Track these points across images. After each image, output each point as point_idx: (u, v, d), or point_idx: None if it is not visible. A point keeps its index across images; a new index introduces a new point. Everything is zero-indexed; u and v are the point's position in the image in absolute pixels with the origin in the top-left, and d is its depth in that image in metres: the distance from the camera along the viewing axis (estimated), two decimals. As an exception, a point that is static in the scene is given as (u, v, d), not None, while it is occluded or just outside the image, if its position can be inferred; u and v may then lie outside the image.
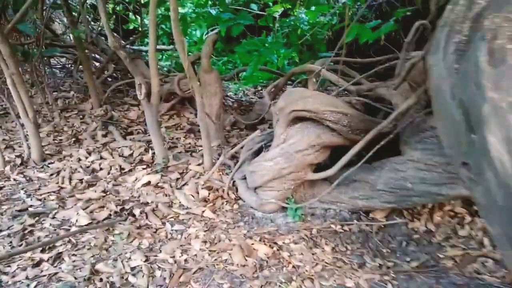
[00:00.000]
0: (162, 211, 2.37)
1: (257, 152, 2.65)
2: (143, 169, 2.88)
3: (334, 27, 4.10)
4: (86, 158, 3.09)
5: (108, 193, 2.61)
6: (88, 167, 2.97)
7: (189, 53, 4.23)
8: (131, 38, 5.76)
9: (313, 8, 4.39)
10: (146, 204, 2.46)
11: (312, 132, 2.19)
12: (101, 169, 2.94)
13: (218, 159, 2.88)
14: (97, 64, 5.44)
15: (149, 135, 3.56)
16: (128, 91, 4.84)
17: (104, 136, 3.51)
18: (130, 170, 2.90)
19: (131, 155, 3.15)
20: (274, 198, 2.29)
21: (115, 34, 5.87)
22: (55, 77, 5.08)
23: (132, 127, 3.77)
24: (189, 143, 3.42)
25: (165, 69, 6.53)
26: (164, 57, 7.11)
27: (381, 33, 2.68)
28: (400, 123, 2.08)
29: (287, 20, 4.77)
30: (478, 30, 1.30)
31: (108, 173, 2.87)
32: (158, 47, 7.08)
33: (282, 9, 4.88)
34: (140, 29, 5.77)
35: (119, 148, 3.26)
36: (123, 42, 6.18)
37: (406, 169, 1.99)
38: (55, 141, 3.43)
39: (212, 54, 7.43)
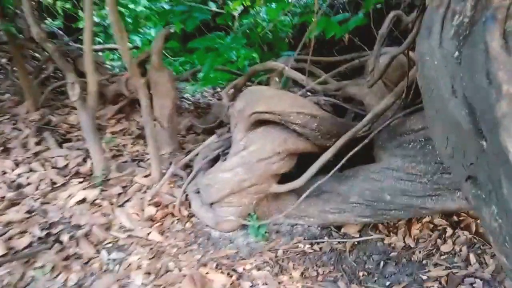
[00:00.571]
0: (98, 235, 1.96)
1: (214, 161, 2.29)
2: (79, 183, 2.44)
3: (299, 20, 3.84)
4: (13, 170, 2.60)
5: (33, 213, 2.16)
6: (13, 181, 2.48)
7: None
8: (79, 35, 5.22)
9: (273, 5, 4.11)
10: (79, 227, 2.03)
11: (276, 137, 1.87)
12: (28, 184, 2.46)
13: (169, 166, 2.50)
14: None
15: (91, 142, 3.12)
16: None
17: (37, 144, 3.01)
18: (63, 185, 2.45)
19: (66, 166, 2.69)
20: (233, 215, 1.94)
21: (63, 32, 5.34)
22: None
23: (72, 133, 3.28)
24: (137, 151, 3.01)
25: (117, 70, 6.02)
26: (117, 56, 6.58)
27: (349, 26, 2.41)
28: (375, 126, 1.81)
29: (247, 17, 4.46)
30: (485, 8, 1.03)
31: (37, 189, 2.40)
32: (110, 45, 6.55)
33: (242, 7, 4.57)
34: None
35: (52, 158, 2.79)
36: (68, 38, 5.64)
37: (383, 178, 1.71)
38: (-23, 151, 2.90)
39: (169, 54, 7.00)
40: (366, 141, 1.73)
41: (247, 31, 4.41)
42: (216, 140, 2.20)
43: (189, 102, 4.52)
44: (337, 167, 1.76)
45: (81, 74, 4.41)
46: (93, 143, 2.40)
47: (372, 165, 1.80)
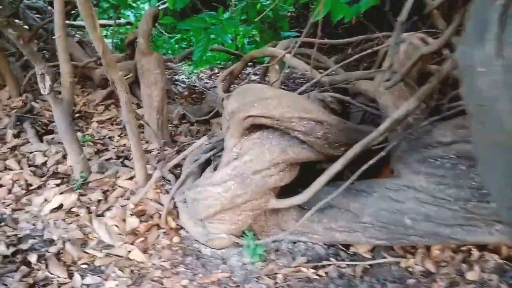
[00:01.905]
0: (71, 253, 1.67)
1: (206, 164, 1.98)
2: (56, 185, 2.13)
3: (299, 1, 3.41)
4: (-16, 169, 2.30)
5: (2, 223, 1.87)
6: (-17, 183, 2.19)
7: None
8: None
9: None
10: (51, 242, 1.74)
11: (275, 145, 1.55)
12: (0, 185, 2.16)
13: (157, 165, 2.19)
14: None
15: (74, 134, 2.80)
16: (57, 76, 3.95)
17: (16, 136, 2.69)
18: (39, 187, 2.14)
19: (44, 164, 2.38)
20: (226, 233, 1.65)
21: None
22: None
23: (54, 123, 2.94)
24: (124, 145, 2.69)
25: (109, 48, 5.60)
26: (108, 33, 6.13)
27: (361, 8, 2.03)
28: (393, 135, 1.48)
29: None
30: None
31: (10, 192, 2.10)
32: (101, 21, 6.09)
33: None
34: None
35: (31, 153, 2.47)
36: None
37: (404, 199, 1.40)
38: None
39: (165, 31, 6.53)
40: (382, 154, 1.41)
41: (245, 6, 4.00)
42: (207, 142, 1.88)
43: (184, 86, 4.15)
44: (348, 182, 1.45)
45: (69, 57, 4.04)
46: (70, 143, 2.08)
47: (389, 181, 1.48)
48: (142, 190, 1.99)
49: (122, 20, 6.02)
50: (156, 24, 5.28)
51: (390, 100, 1.59)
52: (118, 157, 2.48)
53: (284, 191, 1.69)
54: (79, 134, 2.80)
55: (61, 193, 2.05)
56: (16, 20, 4.50)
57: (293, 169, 1.61)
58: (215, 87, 4.20)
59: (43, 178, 2.20)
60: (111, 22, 5.71)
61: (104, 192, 2.07)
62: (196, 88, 4.09)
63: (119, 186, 2.11)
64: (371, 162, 1.41)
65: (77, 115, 3.12)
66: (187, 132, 3.01)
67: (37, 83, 3.67)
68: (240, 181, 1.54)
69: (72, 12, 6.96)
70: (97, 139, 2.76)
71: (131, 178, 2.15)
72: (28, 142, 2.61)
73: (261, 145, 1.56)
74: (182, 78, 4.63)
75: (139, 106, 3.37)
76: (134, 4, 6.03)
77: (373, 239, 1.53)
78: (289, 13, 3.99)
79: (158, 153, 2.55)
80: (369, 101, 2.00)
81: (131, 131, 1.97)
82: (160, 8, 5.25)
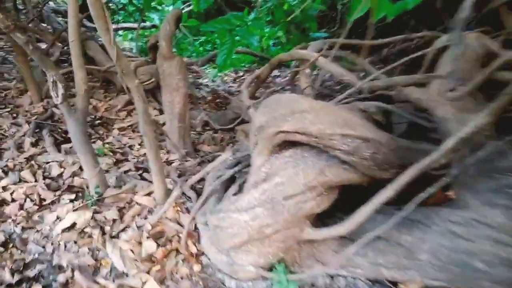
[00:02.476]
0: (81, 283, 1.47)
1: (230, 181, 1.75)
2: (70, 201, 1.96)
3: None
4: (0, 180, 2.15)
5: (10, 245, 1.70)
6: (-4, 196, 2.03)
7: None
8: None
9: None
10: (60, 268, 1.55)
11: (311, 165, 1.30)
12: (13, 200, 2.00)
13: (178, 180, 1.98)
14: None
15: (93, 142, 2.63)
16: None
17: (34, 144, 2.55)
18: (52, 203, 1.97)
19: (60, 175, 2.21)
20: (253, 265, 1.41)
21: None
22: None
23: None
24: (144, 154, 2.49)
25: (134, 51, 5.49)
26: (133, 36, 6.02)
27: (408, 5, 1.75)
28: (458, 156, 1.20)
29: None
30: None
31: (21, 208, 1.94)
32: (124, 25, 6.00)
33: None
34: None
35: (47, 164, 2.32)
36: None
37: (473, 237, 1.12)
38: (-34, 153, 2.46)
39: (190, 34, 6.36)
40: (446, 180, 1.13)
41: (272, 7, 3.75)
42: (231, 157, 1.64)
43: (207, 90, 3.94)
44: (403, 213, 1.18)
45: (90, 60, 3.91)
46: (85, 155, 1.89)
47: (453, 212, 1.20)
48: (161, 208, 1.78)
49: (147, 23, 5.90)
50: (181, 27, 5.11)
51: (450, 112, 1.30)
52: (137, 169, 2.28)
53: (320, 215, 1.44)
54: (99, 142, 2.64)
55: (74, 210, 1.86)
56: (43, 24, 4.42)
57: (331, 192, 1.35)
58: (239, 91, 3.98)
59: (57, 193, 2.03)
60: (135, 25, 5.60)
61: (120, 209, 1.87)
62: (220, 92, 3.87)
63: (137, 202, 1.90)
64: (431, 190, 1.14)
65: (98, 122, 2.96)
66: (210, 140, 2.79)
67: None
68: (270, 208, 1.29)
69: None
70: (117, 148, 2.58)
71: (149, 194, 1.94)
72: (46, 151, 2.46)
73: (295, 165, 1.31)
74: (206, 82, 4.43)
75: (161, 112, 3.19)
76: (159, 7, 5.90)
77: (430, 279, 1.25)
78: (317, 13, 3.71)
79: (180, 164, 2.34)
80: (413, 110, 1.72)
81: (149, 144, 1.76)
82: (184, 10, 5.08)
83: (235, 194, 1.58)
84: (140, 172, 2.24)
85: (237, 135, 2.83)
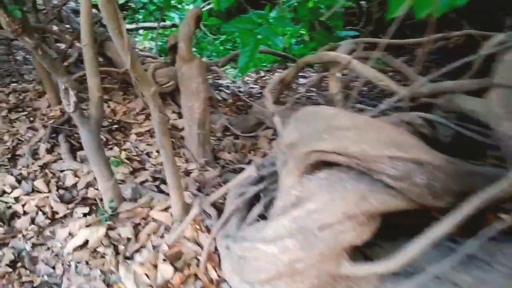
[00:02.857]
0: (91, 314, 1.34)
1: (254, 199, 1.57)
2: (84, 215, 1.83)
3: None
4: (11, 191, 2.04)
5: (19, 264, 1.58)
6: (8, 207, 1.92)
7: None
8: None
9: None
10: (69, 294, 1.42)
11: (350, 189, 1.10)
12: (24, 213, 1.88)
13: (197, 193, 1.82)
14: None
15: (110, 149, 2.51)
16: (103, 80, 3.70)
17: (49, 151, 2.44)
18: (65, 216, 1.84)
19: (74, 186, 2.09)
20: (281, 300, 1.23)
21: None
22: (16, 62, 3.98)
23: None
24: (162, 163, 2.34)
25: (154, 51, 5.37)
26: (152, 36, 5.91)
27: (460, 1, 1.52)
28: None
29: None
30: None
31: (33, 222, 1.82)
32: (144, 24, 5.89)
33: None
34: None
35: (62, 172, 2.20)
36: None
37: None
38: (-19, 160, 2.37)
39: (210, 32, 6.21)
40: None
41: (295, 4, 3.54)
42: (255, 174, 1.47)
43: (228, 92, 3.77)
44: (464, 252, 0.98)
45: (109, 61, 3.80)
46: (99, 167, 1.75)
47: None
48: (178, 226, 1.62)
49: (168, 23, 5.78)
50: (201, 25, 4.95)
51: (518, 129, 1.09)
52: (155, 179, 2.13)
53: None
54: (116, 148, 2.51)
55: (87, 226, 1.73)
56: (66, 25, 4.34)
57: (373, 221, 1.16)
58: (262, 94, 3.80)
59: (71, 205, 1.90)
60: (155, 24, 5.48)
61: (136, 226, 1.72)
62: (241, 93, 3.70)
63: (153, 218, 1.76)
64: (499, 226, 0.93)
65: (115, 126, 2.83)
66: (231, 147, 2.62)
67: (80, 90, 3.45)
68: (302, 239, 1.11)
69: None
70: (134, 155, 2.44)
71: (166, 209, 1.79)
72: (61, 158, 2.34)
73: (331, 189, 1.12)
74: (226, 83, 4.27)
75: (180, 115, 3.05)
76: (179, 6, 5.77)
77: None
78: (345, 10, 3.48)
79: (199, 174, 2.18)
80: (458, 120, 1.50)
81: (166, 157, 1.61)
82: (205, 9, 4.91)
83: (260, 216, 1.40)
84: (157, 183, 2.09)
85: (260, 142, 2.66)
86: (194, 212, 1.56)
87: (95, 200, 1.95)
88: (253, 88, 4.04)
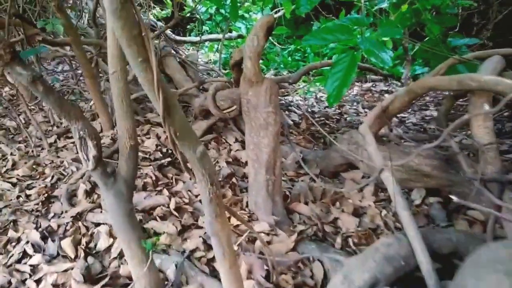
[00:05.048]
0: None
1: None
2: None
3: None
4: (32, 254, 1.56)
5: None
6: (22, 281, 1.44)
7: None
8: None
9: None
10: None
11: None
12: (39, 292, 1.38)
13: (265, 283, 1.18)
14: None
15: (159, 192, 1.97)
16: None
17: (88, 194, 1.96)
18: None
19: (107, 250, 1.56)
20: None
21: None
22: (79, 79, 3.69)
23: (143, 169, 2.15)
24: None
25: (217, 67, 4.88)
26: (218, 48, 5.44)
27: None
28: None
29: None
30: None
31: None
32: (209, 36, 5.43)
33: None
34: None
35: (97, 226, 1.69)
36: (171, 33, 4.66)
37: None
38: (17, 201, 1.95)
39: (278, 42, 5.60)
40: None
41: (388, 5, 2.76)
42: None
43: (299, 114, 3.09)
44: None
45: (168, 80, 3.34)
46: (128, 246, 1.19)
47: None
48: None
49: (233, 33, 5.26)
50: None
51: None
52: (209, 247, 1.53)
53: None
54: (165, 192, 1.96)
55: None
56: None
57: None
58: (340, 115, 3.07)
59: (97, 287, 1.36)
60: (220, 36, 4.99)
61: None
62: (315, 114, 3.00)
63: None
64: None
65: (167, 160, 2.29)
66: (307, 193, 1.94)
67: (135, 111, 2.99)
68: None
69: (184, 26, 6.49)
70: (186, 204, 1.87)
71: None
72: (100, 206, 1.85)
73: None
74: (296, 100, 3.60)
75: (244, 144, 2.45)
76: (246, 15, 5.23)
77: None
78: (459, 12, 2.63)
79: (271, 232, 1.53)
80: None
81: (221, 251, 0.98)
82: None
83: None
84: (211, 255, 1.48)
85: (346, 188, 1.95)
86: None
87: (129, 279, 1.39)
88: (328, 108, 3.32)
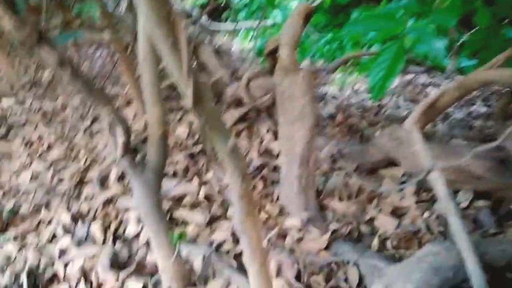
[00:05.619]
0: None
1: None
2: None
3: None
4: (62, 236, 1.57)
5: None
6: (52, 264, 1.44)
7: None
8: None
9: None
10: None
11: None
12: (64, 278, 1.38)
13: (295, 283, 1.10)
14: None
15: (189, 181, 1.93)
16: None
17: (120, 178, 1.96)
18: (112, 293, 1.29)
19: (136, 237, 1.54)
20: None
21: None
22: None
23: (174, 156, 2.11)
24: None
25: (251, 54, 4.78)
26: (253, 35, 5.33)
27: None
28: None
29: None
30: None
31: (72, 293, 1.30)
32: (243, 23, 5.33)
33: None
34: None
35: (126, 211, 1.68)
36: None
37: None
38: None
39: (316, 30, 5.40)
40: None
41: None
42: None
43: (335, 105, 2.95)
44: None
45: (202, 67, 3.28)
46: (156, 236, 1.15)
47: None
48: None
49: (268, 21, 5.13)
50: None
51: None
52: (237, 241, 1.47)
53: None
54: (196, 180, 1.91)
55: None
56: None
57: None
58: (378, 107, 2.91)
59: (122, 274, 1.34)
60: (255, 23, 4.88)
61: None
62: (352, 106, 2.86)
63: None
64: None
65: (199, 147, 2.24)
66: (342, 190, 1.83)
67: (167, 98, 2.97)
68: None
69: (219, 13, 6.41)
70: (215, 194, 1.81)
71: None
72: (127, 192, 1.84)
73: None
74: (331, 91, 3.45)
75: (277, 135, 2.36)
76: (283, 2, 5.08)
77: None
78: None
79: (298, 239, 1.45)
80: None
81: (250, 249, 0.91)
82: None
83: None
84: (239, 248, 1.42)
85: (385, 183, 1.82)
86: None
87: (155, 268, 1.36)
88: (365, 98, 3.15)
